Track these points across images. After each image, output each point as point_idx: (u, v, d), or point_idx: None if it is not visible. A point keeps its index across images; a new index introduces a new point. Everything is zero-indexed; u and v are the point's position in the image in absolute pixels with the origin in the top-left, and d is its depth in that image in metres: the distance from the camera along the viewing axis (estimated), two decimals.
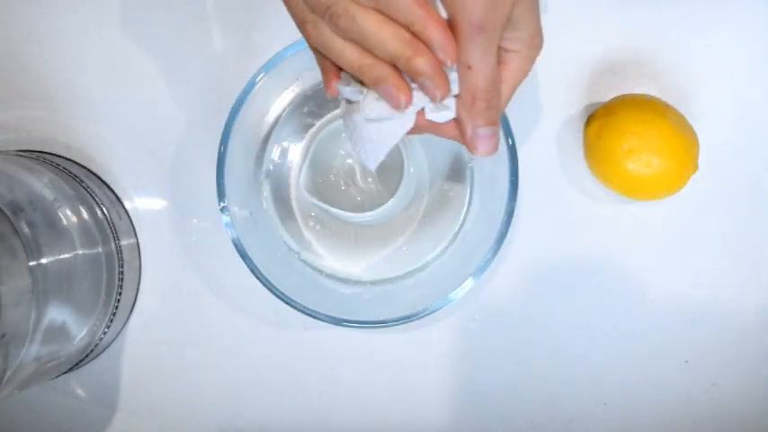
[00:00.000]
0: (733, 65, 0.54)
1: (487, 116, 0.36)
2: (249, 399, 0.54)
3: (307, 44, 0.36)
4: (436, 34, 0.33)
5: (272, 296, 0.46)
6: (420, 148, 0.52)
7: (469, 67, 0.34)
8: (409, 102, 0.35)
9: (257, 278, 0.46)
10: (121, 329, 0.53)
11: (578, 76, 0.54)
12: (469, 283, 0.47)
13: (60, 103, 0.54)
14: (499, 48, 0.35)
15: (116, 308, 0.51)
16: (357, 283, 0.52)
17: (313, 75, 0.51)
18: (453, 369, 0.54)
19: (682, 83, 0.53)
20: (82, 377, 0.54)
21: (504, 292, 0.54)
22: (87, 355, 0.51)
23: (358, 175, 0.52)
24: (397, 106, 0.35)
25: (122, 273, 0.51)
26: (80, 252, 0.47)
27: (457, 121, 0.37)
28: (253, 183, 0.52)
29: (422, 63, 0.34)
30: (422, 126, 0.37)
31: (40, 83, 0.54)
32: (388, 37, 0.33)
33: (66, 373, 0.52)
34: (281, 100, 0.52)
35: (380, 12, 0.33)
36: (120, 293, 0.51)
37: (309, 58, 0.39)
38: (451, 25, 0.33)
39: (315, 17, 0.34)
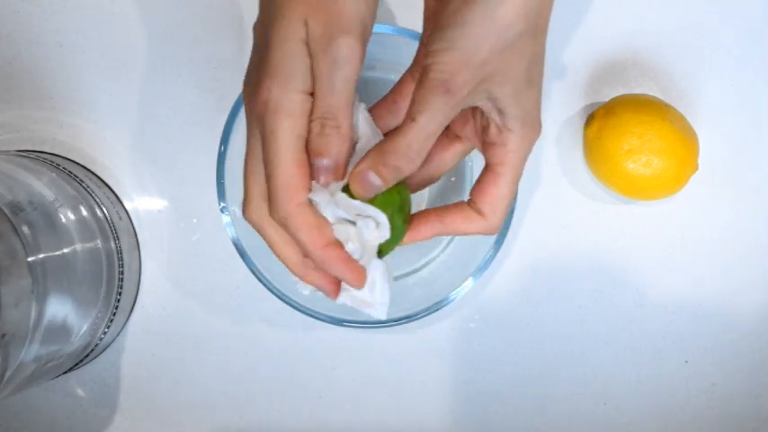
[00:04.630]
0: (733, 65, 0.54)
1: (387, 172, 0.35)
2: (249, 399, 0.54)
3: None
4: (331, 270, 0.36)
5: (272, 296, 0.46)
6: None
7: (413, 120, 0.35)
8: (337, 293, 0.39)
9: (257, 278, 0.46)
10: (121, 329, 0.53)
11: (578, 76, 0.54)
12: (469, 283, 0.47)
13: (60, 103, 0.54)
14: (493, 126, 0.37)
15: (116, 308, 0.51)
16: None
17: None
18: (453, 369, 0.54)
19: (682, 83, 0.53)
20: (82, 377, 0.54)
21: (504, 292, 0.54)
22: (87, 355, 0.51)
23: None
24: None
25: (122, 273, 0.51)
26: (80, 252, 0.47)
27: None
28: None
29: (315, 281, 0.38)
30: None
31: (40, 83, 0.54)
32: (285, 256, 0.38)
33: (66, 373, 0.52)
34: None
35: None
36: (120, 293, 0.51)
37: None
38: (420, 75, 0.35)
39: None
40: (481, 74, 0.34)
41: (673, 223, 0.54)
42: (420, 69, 0.35)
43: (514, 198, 0.41)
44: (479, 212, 0.38)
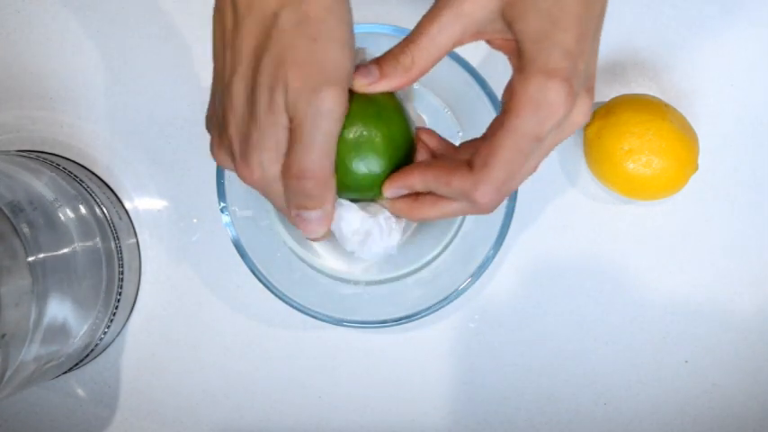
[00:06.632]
0: (733, 65, 0.54)
1: (387, 65, 0.35)
2: (249, 399, 0.54)
3: None
4: None
5: (272, 296, 0.46)
6: None
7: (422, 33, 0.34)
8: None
9: (257, 278, 0.46)
10: (121, 329, 0.53)
11: None
12: (469, 282, 0.47)
13: (60, 103, 0.54)
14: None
15: (116, 308, 0.51)
16: (357, 282, 0.52)
17: None
18: (453, 369, 0.54)
19: (682, 83, 0.53)
20: (82, 377, 0.54)
21: (504, 292, 0.54)
22: (87, 355, 0.51)
23: None
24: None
25: (122, 272, 0.51)
26: (80, 252, 0.47)
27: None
28: None
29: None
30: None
31: (40, 83, 0.54)
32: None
33: (66, 373, 0.52)
34: None
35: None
36: (120, 293, 0.51)
37: None
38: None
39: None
40: None
41: (673, 223, 0.54)
42: None
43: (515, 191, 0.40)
44: (469, 163, 0.35)
